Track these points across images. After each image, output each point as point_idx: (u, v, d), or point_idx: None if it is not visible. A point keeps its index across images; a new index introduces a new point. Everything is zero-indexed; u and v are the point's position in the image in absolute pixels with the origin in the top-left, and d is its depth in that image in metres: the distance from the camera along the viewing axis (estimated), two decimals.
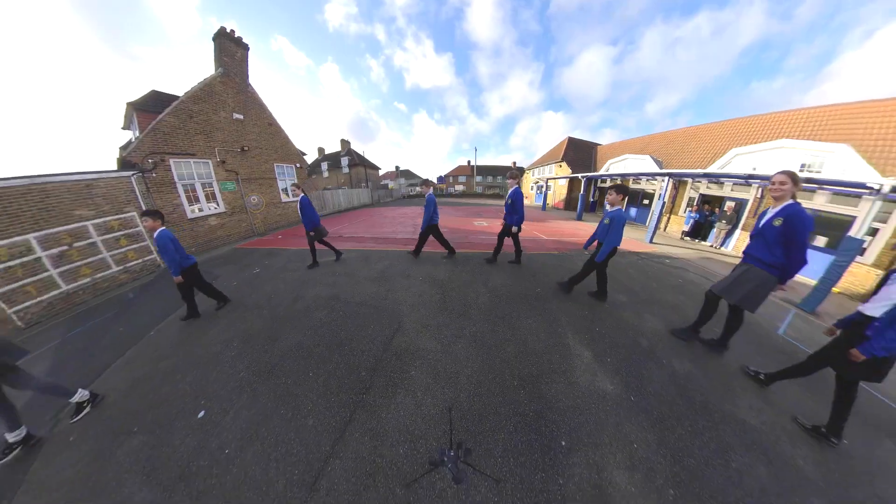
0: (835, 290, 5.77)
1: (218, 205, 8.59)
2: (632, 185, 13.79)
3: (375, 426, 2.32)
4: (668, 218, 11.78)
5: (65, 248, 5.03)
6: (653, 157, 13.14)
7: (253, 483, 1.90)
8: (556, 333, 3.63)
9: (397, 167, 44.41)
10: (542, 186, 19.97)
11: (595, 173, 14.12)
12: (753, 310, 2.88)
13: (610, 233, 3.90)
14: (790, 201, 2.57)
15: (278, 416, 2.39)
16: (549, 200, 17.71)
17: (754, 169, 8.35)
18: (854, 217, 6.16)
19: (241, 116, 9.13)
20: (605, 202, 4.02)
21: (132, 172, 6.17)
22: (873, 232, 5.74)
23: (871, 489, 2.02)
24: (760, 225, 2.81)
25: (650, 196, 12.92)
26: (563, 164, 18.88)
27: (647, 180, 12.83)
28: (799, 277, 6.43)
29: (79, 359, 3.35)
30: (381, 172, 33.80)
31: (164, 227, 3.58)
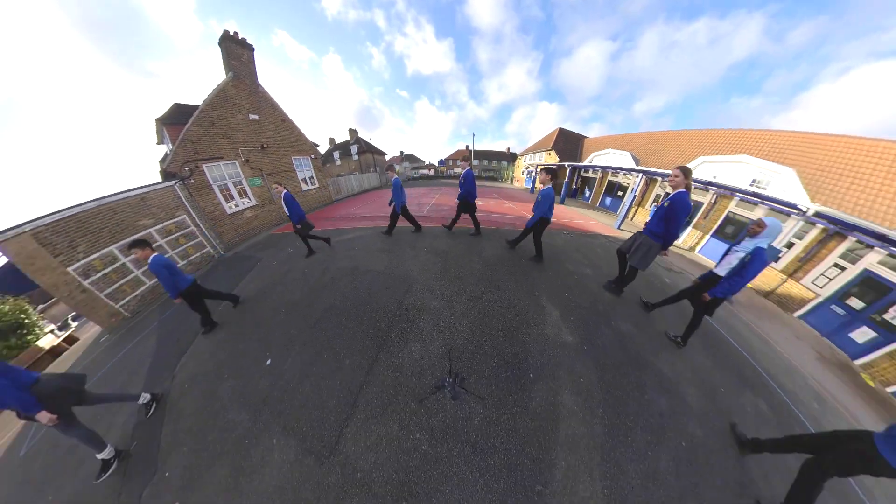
0: (749, 285, 7.00)
1: (250, 199, 9.52)
2: (610, 178, 15.02)
3: (395, 362, 3.04)
4: (636, 209, 12.71)
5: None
6: (632, 154, 14.03)
7: (313, 403, 2.71)
8: (534, 295, 4.26)
9: (402, 152, 44.57)
10: (531, 172, 21.78)
11: (579, 163, 15.07)
12: (643, 268, 3.95)
13: (540, 206, 4.62)
14: (681, 190, 3.24)
15: (322, 359, 3.19)
16: (536, 185, 19.24)
17: (714, 177, 9.27)
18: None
19: (257, 116, 9.62)
20: (538, 181, 4.36)
21: (174, 181, 7.08)
22: (789, 245, 6.77)
23: (693, 374, 3.31)
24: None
25: (625, 189, 14.01)
26: (553, 153, 20.58)
27: (624, 174, 13.84)
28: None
29: (178, 331, 4.42)
30: (387, 157, 34.83)
31: (155, 254, 3.58)
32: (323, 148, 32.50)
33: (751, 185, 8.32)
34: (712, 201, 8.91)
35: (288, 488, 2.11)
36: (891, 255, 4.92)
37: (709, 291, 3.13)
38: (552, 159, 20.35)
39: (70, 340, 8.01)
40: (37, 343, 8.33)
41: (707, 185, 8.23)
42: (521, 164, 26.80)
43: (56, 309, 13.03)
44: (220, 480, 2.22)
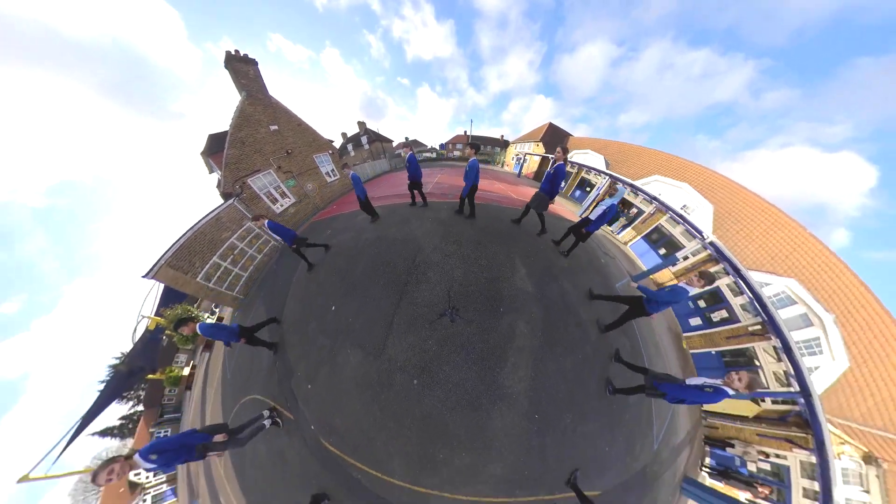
0: (651, 277, 9.35)
1: (290, 198, 11.33)
2: (584, 175, 16.74)
3: (413, 300, 4.47)
4: (597, 204, 12.77)
5: (230, 257, 8.36)
6: (605, 159, 16.06)
7: (365, 329, 4.32)
8: (509, 256, 5.37)
9: (406, 138, 46.18)
10: (520, 158, 24.52)
11: (597, 169, 15.75)
12: (542, 210, 5.84)
13: (468, 175, 5.72)
14: (560, 162, 4.93)
15: (366, 302, 4.73)
16: (523, 170, 22.47)
17: (660, 194, 10.60)
18: (683, 247, 9.77)
19: (276, 127, 10.81)
20: (466, 152, 5.36)
21: (232, 200, 8.94)
22: (686, 257, 9.01)
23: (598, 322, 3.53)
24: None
25: (592, 186, 16.01)
26: (540, 144, 23.30)
27: (595, 174, 15.43)
28: (639, 262, 10.56)
29: (272, 301, 6.46)
30: (394, 144, 37.30)
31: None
32: (338, 142, 34.73)
33: (681, 208, 10.70)
34: (651, 212, 11.11)
35: (360, 374, 3.80)
36: (735, 283, 6.57)
37: (585, 228, 5.34)
38: (539, 150, 22.64)
39: (220, 319, 11.28)
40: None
41: (652, 199, 9.91)
42: (511, 151, 29.68)
43: (204, 303, 17.51)
44: (325, 376, 4.02)
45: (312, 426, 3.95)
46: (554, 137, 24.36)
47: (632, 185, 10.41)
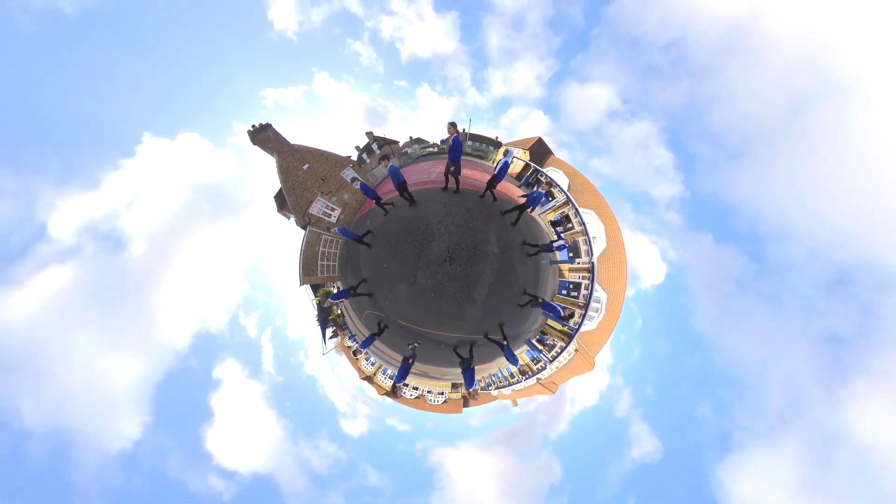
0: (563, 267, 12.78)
1: (336, 209, 15.49)
2: (551, 188, 18.25)
3: (427, 254, 7.86)
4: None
5: (325, 257, 12.83)
6: (569, 181, 18.16)
7: (405, 272, 7.96)
8: (487, 229, 8.21)
9: (411, 137, 46.87)
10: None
11: (539, 167, 18.69)
12: (456, 175, 7.71)
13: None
14: (455, 135, 6.28)
15: (402, 258, 8.20)
16: (509, 170, 24.34)
17: (586, 222, 14.43)
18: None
19: (308, 165, 14.60)
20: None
21: (307, 228, 13.22)
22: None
23: (529, 273, 6.73)
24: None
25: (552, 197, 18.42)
26: (527, 152, 24.85)
27: (557, 190, 17.78)
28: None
29: (355, 271, 10.67)
30: (400, 144, 39.88)
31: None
32: (354, 155, 38.93)
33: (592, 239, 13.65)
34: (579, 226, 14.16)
35: (406, 293, 7.67)
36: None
37: (496, 182, 7.70)
38: (524, 156, 24.58)
39: (337, 288, 16.57)
40: None
41: (578, 211, 13.51)
42: (502, 151, 33.23)
43: (327, 284, 23.81)
44: (393, 296, 8.00)
45: (393, 316, 8.02)
46: (539, 149, 25.14)
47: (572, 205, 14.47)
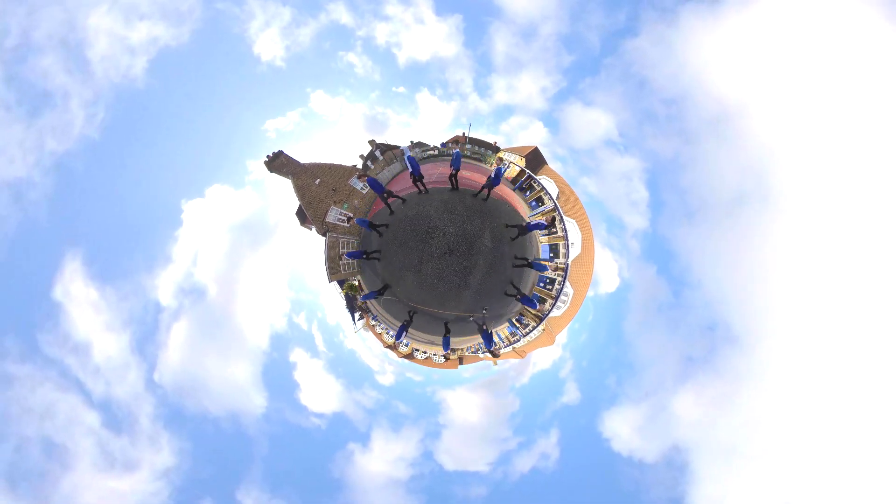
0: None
1: (349, 214, 16.75)
2: (542, 194, 18.78)
3: (430, 246, 8.93)
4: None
5: (343, 256, 14.19)
6: (558, 191, 18.34)
7: (412, 262, 9.06)
8: (482, 226, 9.10)
9: (412, 141, 48.43)
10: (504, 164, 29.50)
11: (532, 174, 18.80)
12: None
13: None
14: (456, 150, 8.34)
15: (409, 250, 9.30)
16: (504, 174, 26.37)
17: (568, 227, 14.41)
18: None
19: (319, 179, 15.74)
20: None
21: (327, 235, 14.59)
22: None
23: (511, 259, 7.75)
24: None
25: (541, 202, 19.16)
26: (522, 159, 26.18)
27: (547, 197, 18.22)
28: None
29: (372, 266, 11.92)
30: (402, 147, 41.07)
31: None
32: (359, 163, 40.24)
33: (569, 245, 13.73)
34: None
35: (414, 280, 8.79)
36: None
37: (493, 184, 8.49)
38: (520, 162, 26.75)
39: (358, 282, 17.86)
40: None
41: (563, 218, 13.85)
42: (498, 156, 35.73)
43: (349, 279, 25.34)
44: (402, 282, 9.14)
45: (404, 299, 9.23)
46: (535, 158, 27.78)
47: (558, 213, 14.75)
